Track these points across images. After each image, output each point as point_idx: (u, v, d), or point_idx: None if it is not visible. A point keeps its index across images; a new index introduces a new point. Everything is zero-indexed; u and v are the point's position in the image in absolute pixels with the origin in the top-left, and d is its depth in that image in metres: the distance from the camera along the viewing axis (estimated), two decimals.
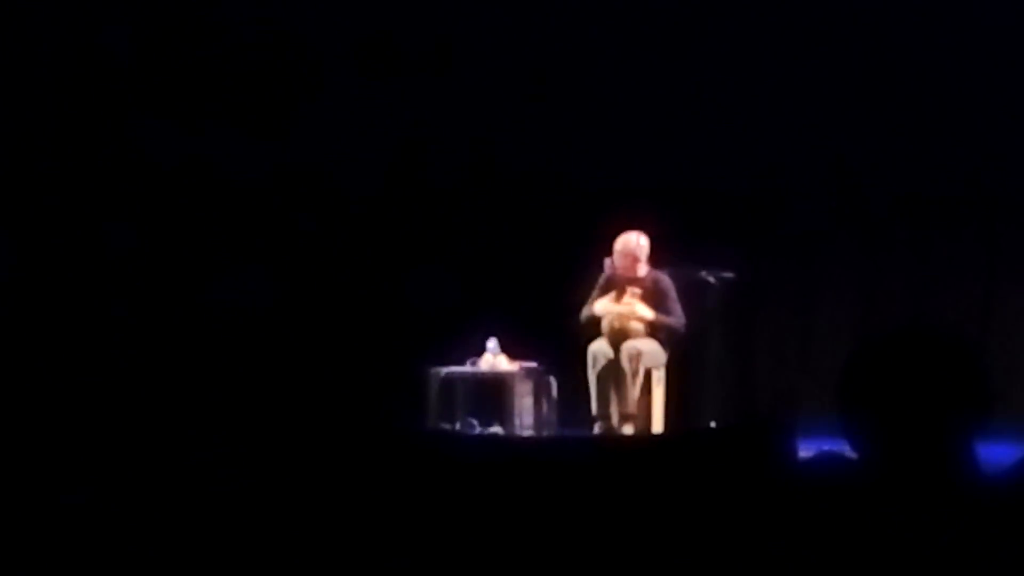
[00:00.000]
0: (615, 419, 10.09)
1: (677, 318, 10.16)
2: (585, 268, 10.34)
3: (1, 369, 9.82)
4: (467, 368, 10.56)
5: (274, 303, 11.33)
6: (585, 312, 10.20)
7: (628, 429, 10.00)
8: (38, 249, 11.09)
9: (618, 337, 10.08)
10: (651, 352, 10.12)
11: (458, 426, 10.37)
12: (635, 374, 10.02)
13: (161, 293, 11.20)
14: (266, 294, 11.29)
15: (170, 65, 11.25)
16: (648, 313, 10.08)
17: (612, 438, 9.51)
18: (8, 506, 3.62)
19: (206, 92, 11.29)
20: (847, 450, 2.66)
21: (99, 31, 11.14)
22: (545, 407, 10.52)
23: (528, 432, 10.27)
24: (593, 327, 10.18)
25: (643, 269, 10.17)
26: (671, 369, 10.29)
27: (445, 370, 10.52)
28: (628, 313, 10.08)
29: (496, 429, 10.35)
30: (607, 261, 10.24)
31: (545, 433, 10.25)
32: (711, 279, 10.38)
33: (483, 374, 10.53)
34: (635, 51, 11.39)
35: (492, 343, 10.48)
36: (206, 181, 11.27)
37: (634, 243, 10.16)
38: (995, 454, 2.79)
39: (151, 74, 11.23)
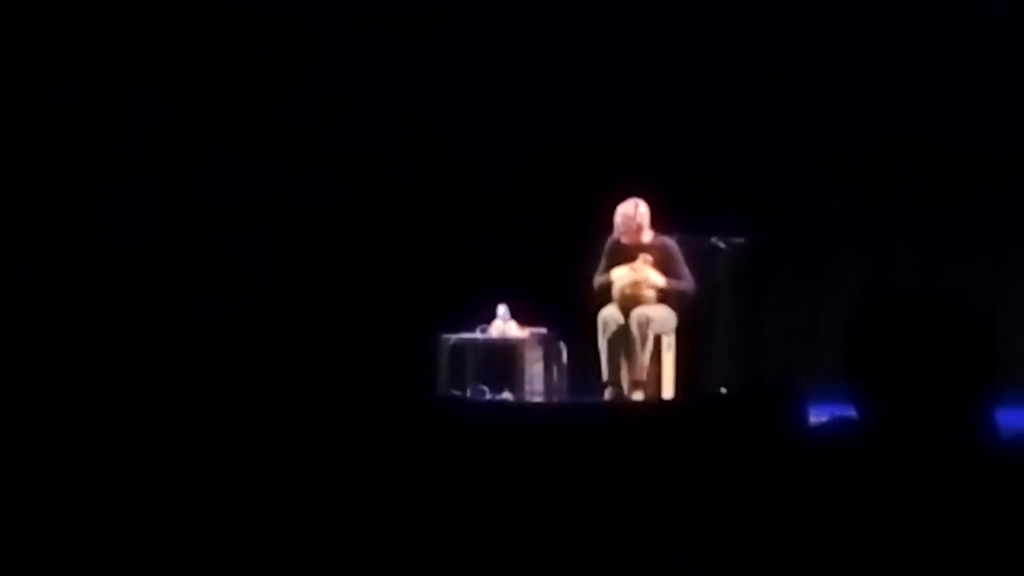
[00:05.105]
0: (625, 385, 10.09)
1: (687, 281, 10.14)
2: (594, 234, 10.32)
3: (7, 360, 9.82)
4: (477, 335, 10.56)
5: (284, 272, 11.34)
6: (598, 280, 10.18)
7: (638, 395, 10.00)
8: (38, 242, 11.08)
9: (629, 303, 10.07)
10: (661, 318, 10.11)
11: (468, 393, 10.37)
12: (645, 340, 10.01)
13: (172, 269, 11.21)
14: (276, 263, 11.30)
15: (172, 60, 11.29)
16: (660, 280, 10.07)
17: (622, 404, 9.53)
18: (11, 504, 3.64)
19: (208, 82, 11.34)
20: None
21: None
22: (555, 373, 10.52)
23: (538, 398, 10.28)
24: (604, 293, 10.18)
25: (648, 235, 10.13)
26: (681, 335, 10.28)
27: (455, 337, 10.53)
28: (641, 280, 10.06)
29: (506, 395, 10.37)
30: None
31: (555, 399, 10.26)
32: (721, 244, 10.36)
33: (493, 341, 10.54)
34: (642, 17, 11.37)
35: (502, 309, 10.48)
36: (213, 152, 11.28)
37: (633, 211, 10.08)
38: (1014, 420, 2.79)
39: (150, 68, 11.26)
